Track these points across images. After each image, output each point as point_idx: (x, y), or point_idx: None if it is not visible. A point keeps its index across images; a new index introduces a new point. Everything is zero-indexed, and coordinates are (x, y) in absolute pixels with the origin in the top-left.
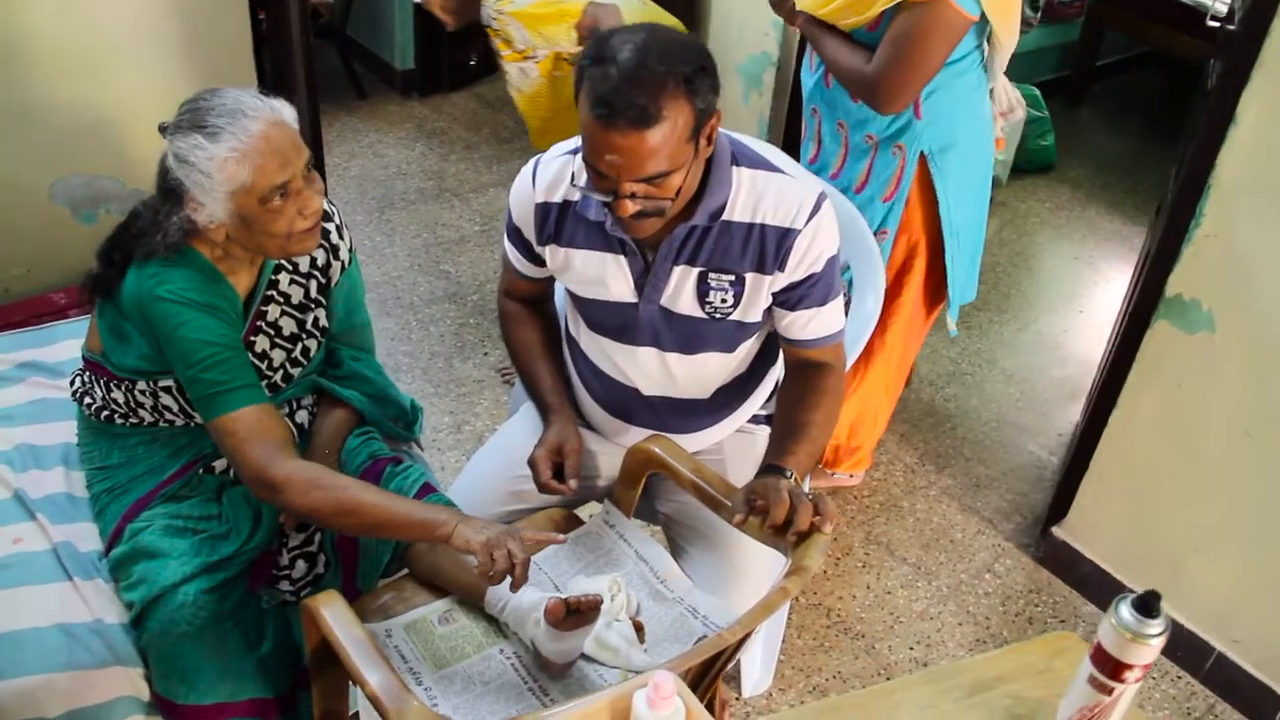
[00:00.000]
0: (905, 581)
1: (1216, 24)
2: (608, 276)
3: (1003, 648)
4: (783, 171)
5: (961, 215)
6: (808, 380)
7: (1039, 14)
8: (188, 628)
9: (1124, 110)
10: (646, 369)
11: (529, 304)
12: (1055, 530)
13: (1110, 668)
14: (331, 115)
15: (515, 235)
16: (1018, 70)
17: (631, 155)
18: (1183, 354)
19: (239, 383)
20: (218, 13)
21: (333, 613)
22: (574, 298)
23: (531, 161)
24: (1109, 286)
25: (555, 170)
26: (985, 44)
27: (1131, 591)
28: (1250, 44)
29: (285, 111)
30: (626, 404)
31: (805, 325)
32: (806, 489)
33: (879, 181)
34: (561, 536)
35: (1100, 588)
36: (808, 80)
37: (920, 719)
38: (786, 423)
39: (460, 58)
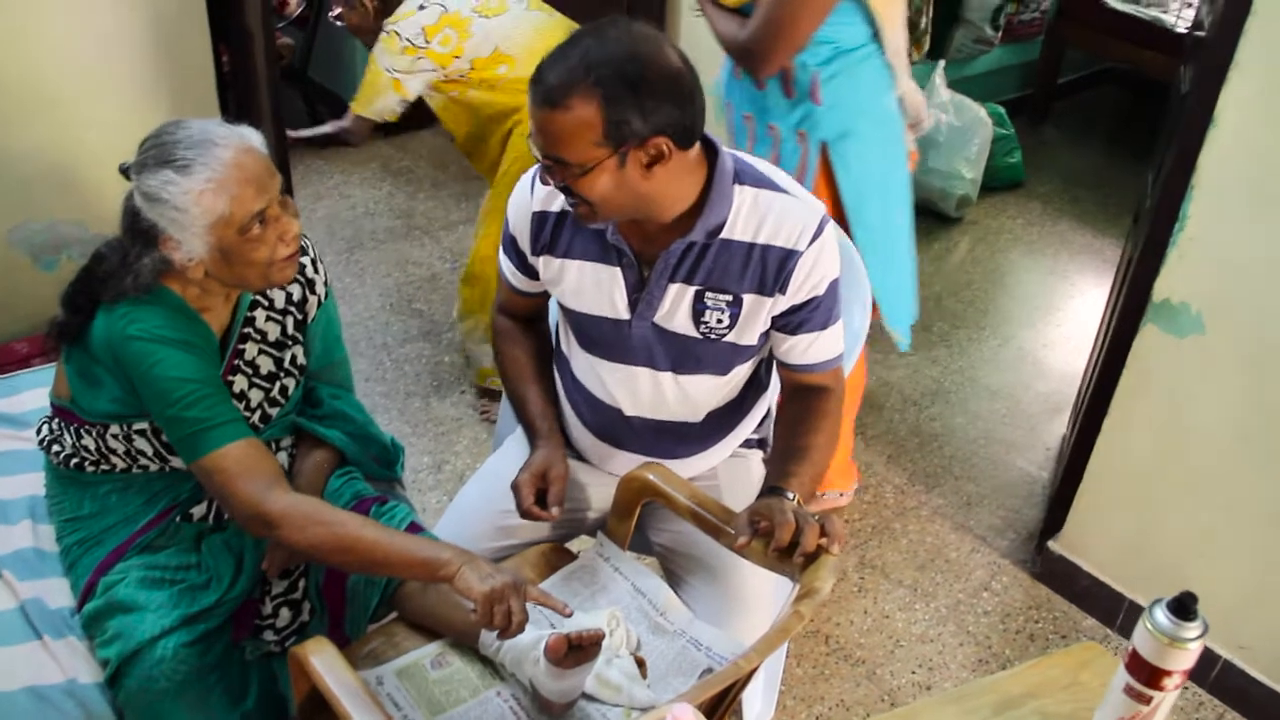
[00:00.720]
0: (903, 604)
1: (1185, 32)
2: (602, 289)
3: (1025, 663)
4: (787, 192)
5: (872, 210)
6: (807, 403)
7: (999, 33)
8: (167, 684)
9: (1087, 126)
10: (636, 389)
11: (522, 321)
12: (1051, 544)
13: (1147, 675)
14: (296, 157)
15: (510, 246)
16: (980, 89)
17: (538, 126)
18: (1174, 358)
19: (223, 418)
20: (179, 51)
21: (322, 660)
22: (566, 313)
23: (532, 170)
24: (1085, 299)
25: None
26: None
27: (1131, 602)
28: (1225, 46)
29: (253, 138)
30: (615, 428)
31: (805, 350)
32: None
33: (785, 171)
34: (569, 609)
35: (1100, 600)
36: (722, 74)
37: None
38: (787, 446)
39: None
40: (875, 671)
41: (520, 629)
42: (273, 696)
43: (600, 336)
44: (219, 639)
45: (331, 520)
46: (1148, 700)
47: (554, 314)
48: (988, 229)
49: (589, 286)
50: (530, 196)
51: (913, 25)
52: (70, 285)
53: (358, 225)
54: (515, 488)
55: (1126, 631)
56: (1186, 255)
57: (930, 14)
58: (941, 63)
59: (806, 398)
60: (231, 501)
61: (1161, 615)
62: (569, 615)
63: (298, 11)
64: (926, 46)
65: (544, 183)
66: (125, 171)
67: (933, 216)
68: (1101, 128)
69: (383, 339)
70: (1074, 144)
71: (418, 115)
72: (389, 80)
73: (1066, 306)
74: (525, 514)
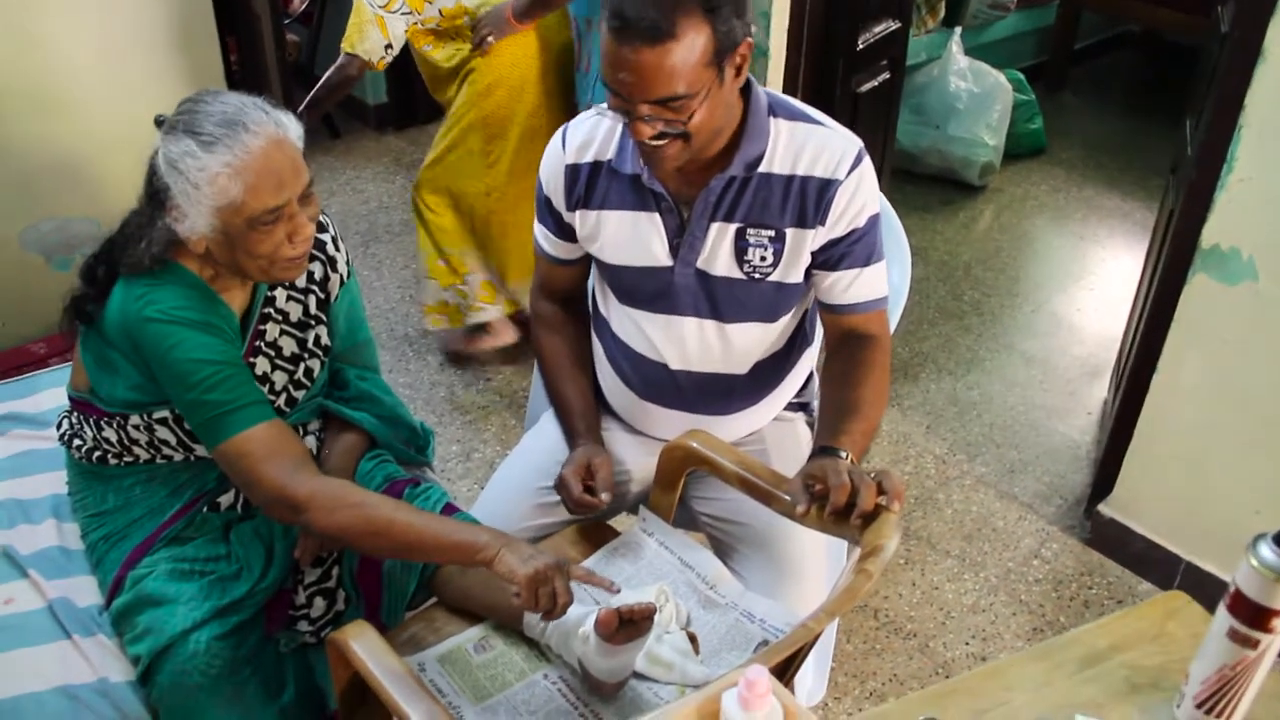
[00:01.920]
0: (951, 575)
1: None
2: (641, 238)
3: (1109, 615)
4: (821, 124)
5: None
6: (853, 355)
7: None
8: (201, 679)
9: (1106, 91)
10: (682, 341)
11: (564, 304)
12: (1102, 508)
13: (1253, 616)
14: (307, 156)
15: (545, 209)
16: (998, 57)
17: (643, 73)
18: (1225, 307)
19: (246, 400)
20: (187, 45)
21: (364, 645)
22: (603, 268)
23: (561, 128)
24: (1118, 262)
25: (586, 131)
26: None
27: (1188, 563)
28: None
29: (291, 128)
30: (660, 385)
31: (847, 288)
32: None
33: (591, 59)
34: (616, 586)
35: (1156, 563)
36: None
37: (1037, 698)
38: (836, 401)
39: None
40: (928, 644)
41: (565, 610)
42: (311, 689)
43: (642, 288)
44: (252, 631)
45: (361, 502)
46: (1254, 644)
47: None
48: (1012, 196)
49: (628, 236)
50: (562, 150)
51: None
52: (90, 254)
53: (372, 219)
54: (561, 483)
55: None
56: (1236, 198)
57: None
58: (958, 29)
59: (852, 348)
60: (256, 486)
61: (1268, 550)
62: (616, 592)
63: (302, 8)
64: (942, 13)
65: (636, 136)
66: (159, 123)
67: (956, 186)
68: (1120, 93)
69: (404, 330)
70: (1094, 109)
71: (428, 108)
72: (373, 16)
73: (1099, 270)
74: (576, 505)
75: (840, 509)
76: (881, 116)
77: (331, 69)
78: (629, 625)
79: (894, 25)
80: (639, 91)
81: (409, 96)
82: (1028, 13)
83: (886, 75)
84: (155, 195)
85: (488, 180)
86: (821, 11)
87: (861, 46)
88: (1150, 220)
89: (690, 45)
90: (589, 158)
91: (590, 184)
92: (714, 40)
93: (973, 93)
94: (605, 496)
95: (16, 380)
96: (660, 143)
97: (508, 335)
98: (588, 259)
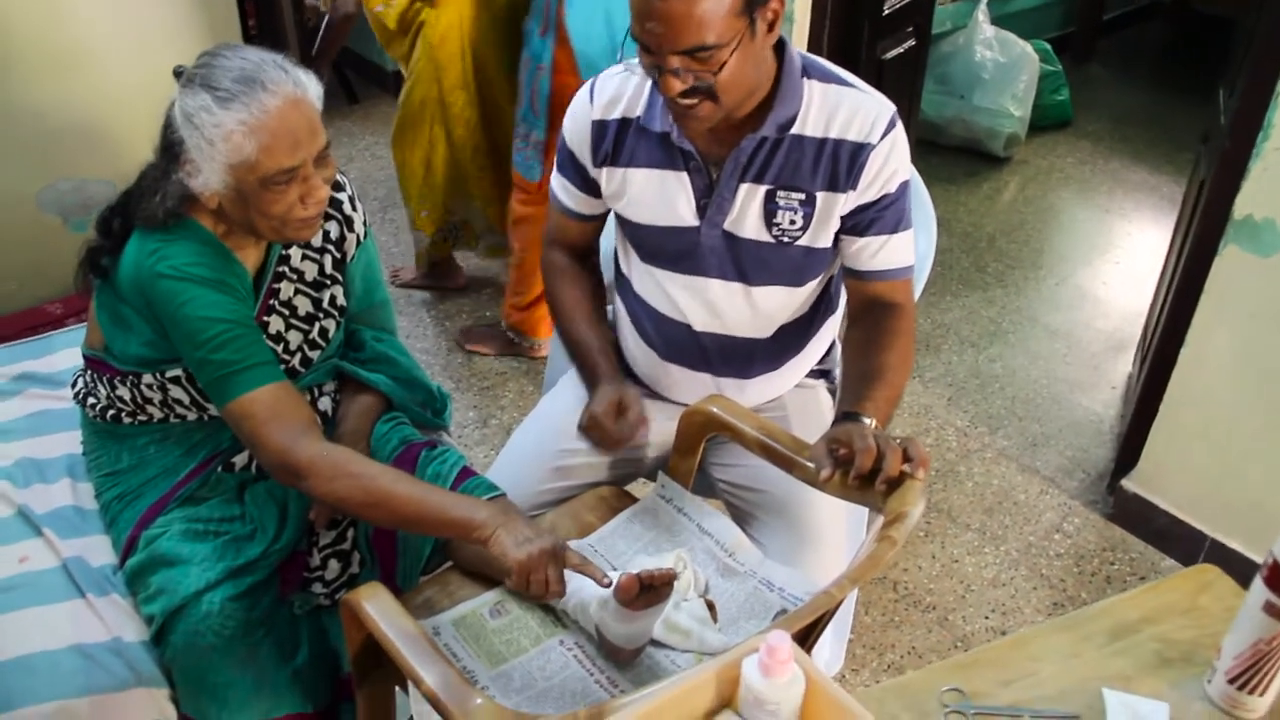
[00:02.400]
0: (972, 548)
1: None
2: (668, 197)
3: (1138, 587)
4: (855, 87)
5: (593, 50)
6: (878, 322)
7: None
8: (215, 639)
9: (1133, 64)
10: (705, 301)
11: (576, 257)
12: (1125, 483)
13: None
14: (325, 122)
15: (568, 163)
16: (1024, 26)
17: (672, 22)
18: (1257, 279)
19: (254, 360)
20: (205, 8)
21: (378, 607)
22: (627, 227)
23: (589, 81)
24: (1144, 236)
25: (614, 87)
26: None
27: (1213, 540)
28: None
29: (310, 87)
30: (682, 346)
31: (875, 254)
32: None
33: (539, 19)
34: (606, 578)
35: (1179, 540)
36: None
37: (1065, 670)
38: (859, 368)
39: None
40: (947, 617)
41: (557, 597)
42: (324, 652)
43: (666, 248)
44: (266, 593)
45: (361, 473)
46: None
47: (608, 243)
48: (1038, 168)
49: (654, 195)
50: (590, 105)
51: None
52: (107, 206)
53: (390, 184)
54: (594, 420)
55: None
56: (1271, 167)
57: None
58: None
59: (877, 315)
60: (260, 448)
61: None
62: (607, 585)
63: None
64: None
65: (665, 92)
66: (178, 75)
67: (980, 157)
68: (1147, 65)
69: (421, 295)
70: (1121, 82)
71: None
72: None
73: (1124, 244)
74: (613, 443)
75: (865, 474)
76: (906, 84)
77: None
78: (649, 591)
79: None
80: (668, 42)
81: None
82: None
83: (912, 42)
84: (170, 148)
85: (453, 129)
86: None
87: (887, 12)
88: (1177, 194)
89: None
90: (617, 114)
91: (618, 140)
92: None
93: (998, 62)
94: (643, 432)
95: (32, 340)
96: (690, 101)
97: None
98: (604, 215)
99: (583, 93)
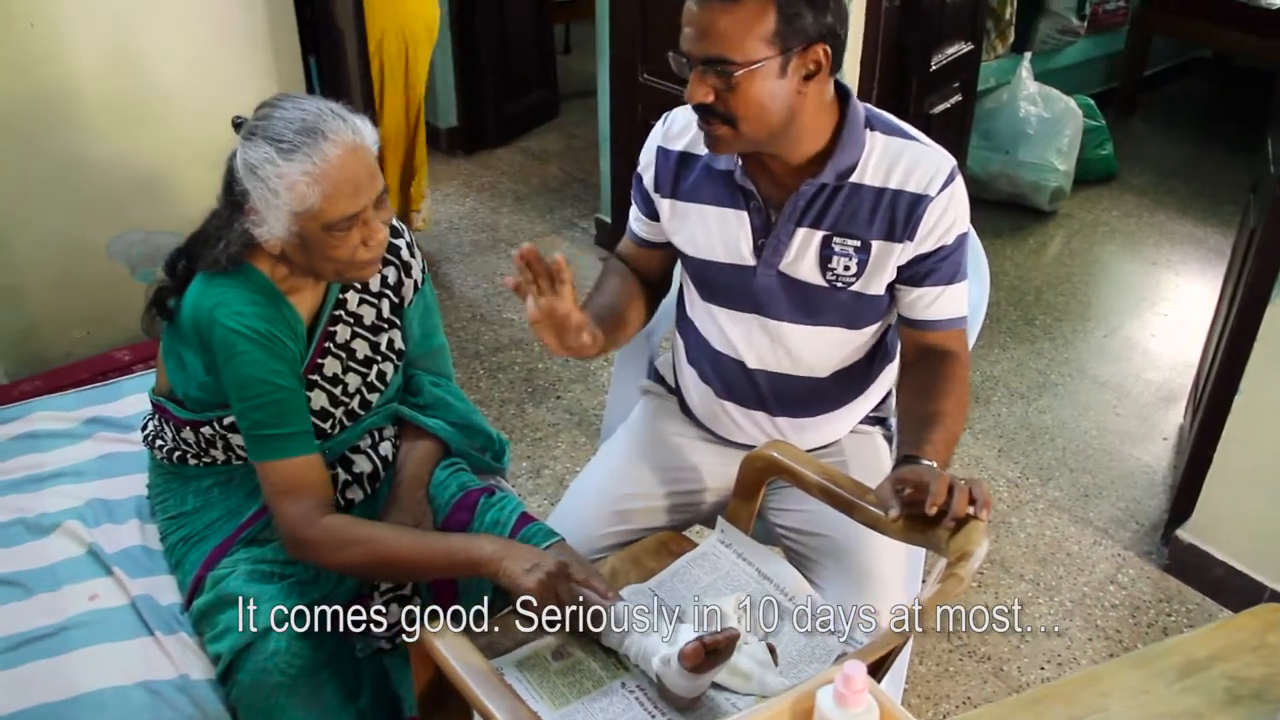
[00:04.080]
0: (1026, 599)
1: None
2: (728, 234)
3: (1207, 625)
4: (917, 140)
5: None
6: (933, 367)
7: (1085, 22)
8: (282, 678)
9: (1176, 118)
10: (758, 339)
11: (636, 273)
12: (1180, 533)
13: None
14: None
15: (638, 183)
16: (1068, 82)
17: (700, 27)
18: None
19: (285, 430)
20: (273, 58)
21: (449, 645)
22: (687, 262)
23: (670, 111)
24: (1192, 288)
25: (685, 119)
26: None
27: (1272, 590)
28: None
29: (366, 133)
30: (735, 383)
31: (930, 305)
32: None
33: None
34: (611, 594)
35: (1237, 590)
36: None
37: (1134, 706)
38: (917, 413)
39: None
40: (1002, 668)
41: (573, 619)
42: (387, 694)
43: (722, 284)
44: (330, 634)
45: (366, 539)
46: None
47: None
48: (1083, 222)
49: (713, 231)
50: (662, 131)
51: (996, 16)
52: (175, 249)
53: (442, 240)
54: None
55: None
56: None
57: (1014, 5)
58: (1028, 55)
59: (932, 363)
60: (274, 514)
61: None
62: (613, 601)
63: None
64: (1011, 38)
65: (688, 97)
66: (238, 126)
67: (1026, 211)
68: (1190, 119)
69: (475, 348)
70: (1164, 136)
71: (499, 132)
72: None
73: (1173, 296)
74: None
75: (933, 513)
76: (953, 139)
77: None
78: (713, 654)
79: (966, 47)
80: (692, 45)
81: (479, 121)
82: (1097, 38)
83: (958, 98)
84: (233, 198)
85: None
86: (895, 32)
87: (934, 68)
88: (1224, 246)
89: (750, 14)
90: (680, 146)
91: (679, 173)
92: (777, 21)
93: (1043, 118)
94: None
95: (103, 385)
96: (709, 122)
97: None
98: (665, 246)
99: (662, 118)
